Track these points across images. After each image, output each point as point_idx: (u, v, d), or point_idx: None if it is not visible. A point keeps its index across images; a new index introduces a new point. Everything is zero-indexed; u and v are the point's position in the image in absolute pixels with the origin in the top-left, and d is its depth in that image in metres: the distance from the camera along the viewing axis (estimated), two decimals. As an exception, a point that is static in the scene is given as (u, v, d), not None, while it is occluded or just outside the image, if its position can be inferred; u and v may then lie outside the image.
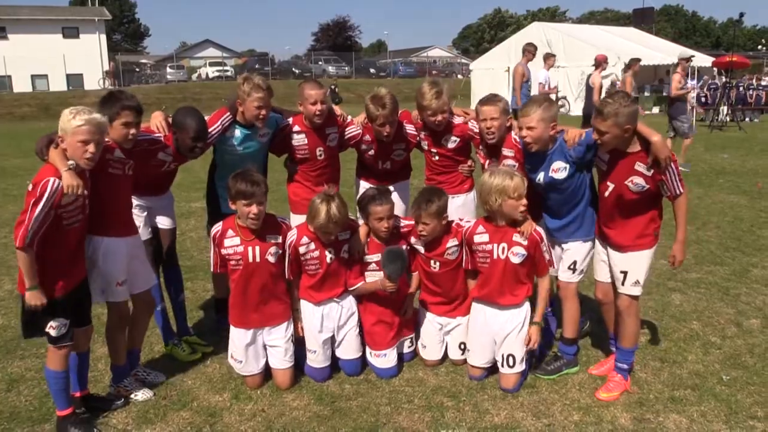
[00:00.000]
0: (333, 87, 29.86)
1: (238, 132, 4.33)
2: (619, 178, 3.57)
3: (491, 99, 4.08)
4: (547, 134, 3.73)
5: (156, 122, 4.00)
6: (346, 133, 4.59)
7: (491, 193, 3.67)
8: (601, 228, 3.80)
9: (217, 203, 4.49)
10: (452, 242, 3.99)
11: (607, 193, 3.64)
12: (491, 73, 29.58)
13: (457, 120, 4.40)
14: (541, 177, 3.83)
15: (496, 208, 3.72)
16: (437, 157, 4.48)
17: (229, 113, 4.28)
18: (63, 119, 3.17)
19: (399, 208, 4.40)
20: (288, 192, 4.73)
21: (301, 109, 4.44)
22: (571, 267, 3.92)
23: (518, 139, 3.94)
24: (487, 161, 4.21)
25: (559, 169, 3.76)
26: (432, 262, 4.05)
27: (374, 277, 4.00)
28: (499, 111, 4.01)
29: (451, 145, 4.43)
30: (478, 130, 4.25)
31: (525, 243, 3.74)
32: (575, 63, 25.88)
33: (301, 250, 3.89)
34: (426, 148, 4.51)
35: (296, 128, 4.50)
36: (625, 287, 3.70)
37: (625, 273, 3.69)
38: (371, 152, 4.58)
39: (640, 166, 3.49)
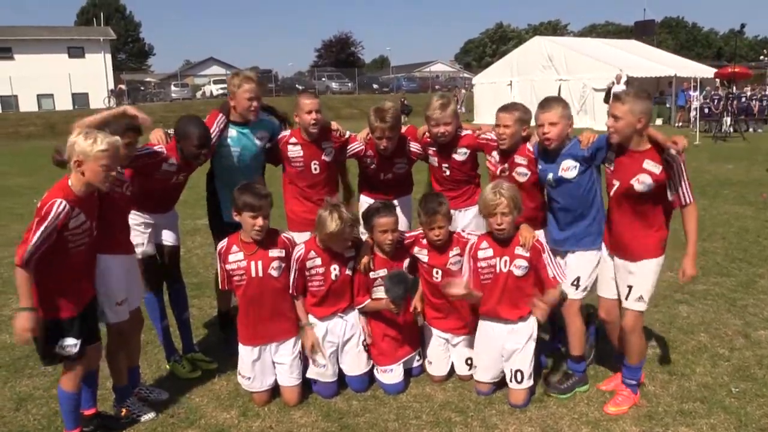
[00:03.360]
0: (402, 100, 31.11)
1: (233, 132, 4.38)
2: (626, 176, 3.56)
3: (508, 107, 4.12)
4: (566, 132, 3.79)
5: (156, 136, 4.07)
6: (349, 150, 4.61)
7: (479, 203, 3.78)
8: (605, 235, 3.79)
9: (218, 212, 4.49)
10: (455, 251, 4.00)
11: (612, 192, 3.64)
12: (494, 87, 29.65)
13: (464, 132, 4.42)
14: (551, 177, 3.85)
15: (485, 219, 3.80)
16: (447, 172, 4.49)
17: (222, 115, 4.33)
18: (82, 144, 3.14)
19: (402, 223, 4.40)
20: (285, 210, 4.73)
21: (297, 120, 4.48)
22: (575, 283, 3.89)
23: (532, 149, 4.01)
24: (499, 168, 4.19)
25: (569, 168, 3.78)
26: (434, 272, 4.05)
27: (380, 293, 4.00)
28: (514, 119, 4.02)
29: (459, 158, 4.43)
30: (488, 138, 4.28)
31: (527, 255, 3.74)
32: (576, 76, 25.96)
33: (308, 264, 3.91)
34: (436, 164, 4.51)
35: (293, 139, 4.53)
36: (628, 302, 3.68)
37: (630, 288, 3.67)
38: (374, 166, 4.62)
39: (649, 164, 3.48)
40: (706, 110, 21.66)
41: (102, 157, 3.14)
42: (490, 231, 3.84)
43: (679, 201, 3.50)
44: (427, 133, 4.49)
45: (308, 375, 4.00)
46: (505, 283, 3.79)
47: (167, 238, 4.28)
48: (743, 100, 23.37)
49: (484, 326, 3.97)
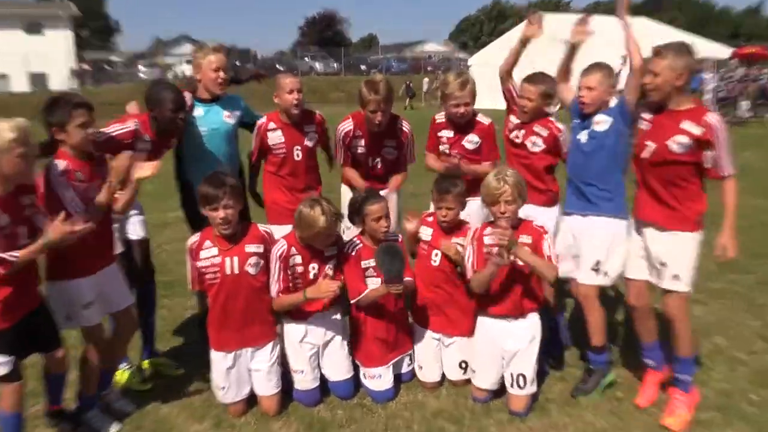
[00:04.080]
0: (408, 83, 32.11)
1: (200, 110, 4.42)
2: (660, 137, 3.59)
3: (535, 79, 4.29)
4: (603, 99, 3.89)
5: (132, 107, 4.11)
6: (338, 131, 4.64)
7: (482, 190, 3.80)
8: (636, 203, 3.79)
9: (193, 201, 4.35)
10: (459, 240, 4.03)
11: (644, 154, 3.67)
12: (491, 69, 29.57)
13: (482, 119, 4.55)
14: (584, 136, 3.93)
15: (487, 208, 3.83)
16: (456, 161, 4.53)
17: (188, 94, 4.34)
18: None
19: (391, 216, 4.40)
20: (265, 201, 4.76)
21: (277, 101, 4.51)
22: (595, 267, 3.91)
23: (558, 126, 4.24)
24: (513, 133, 4.37)
25: (600, 122, 3.87)
26: (434, 254, 4.08)
27: (375, 284, 3.97)
28: (538, 93, 4.22)
29: (469, 146, 4.54)
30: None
31: (529, 241, 3.76)
32: (582, 55, 26.00)
33: (290, 262, 3.88)
34: (447, 151, 4.58)
35: (272, 125, 4.57)
36: (665, 282, 3.66)
37: (663, 265, 3.65)
38: (361, 148, 4.64)
39: (687, 125, 3.51)
40: (722, 94, 21.72)
41: (15, 146, 3.05)
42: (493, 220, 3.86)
43: (718, 172, 3.51)
44: (438, 117, 4.64)
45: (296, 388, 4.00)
46: (508, 275, 3.79)
47: (135, 230, 4.24)
48: (762, 81, 23.46)
49: (482, 326, 3.97)
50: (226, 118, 4.51)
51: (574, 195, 4.01)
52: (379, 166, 4.70)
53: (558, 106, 4.40)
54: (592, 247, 3.92)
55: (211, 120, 4.44)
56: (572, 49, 4.05)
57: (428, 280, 4.13)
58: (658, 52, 3.55)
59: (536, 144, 4.29)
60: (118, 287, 3.79)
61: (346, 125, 4.65)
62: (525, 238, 3.77)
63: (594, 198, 3.90)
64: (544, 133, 4.27)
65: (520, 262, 3.72)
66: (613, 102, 3.92)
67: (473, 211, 4.46)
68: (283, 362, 4.02)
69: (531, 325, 3.87)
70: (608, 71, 3.93)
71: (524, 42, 4.31)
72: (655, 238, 3.70)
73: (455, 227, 4.10)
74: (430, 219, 4.19)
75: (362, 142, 4.62)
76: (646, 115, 3.71)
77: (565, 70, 4.12)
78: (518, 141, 4.34)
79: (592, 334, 4.02)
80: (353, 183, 4.66)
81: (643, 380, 4.01)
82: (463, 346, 4.12)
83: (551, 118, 4.33)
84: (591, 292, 3.95)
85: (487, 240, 3.83)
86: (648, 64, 3.58)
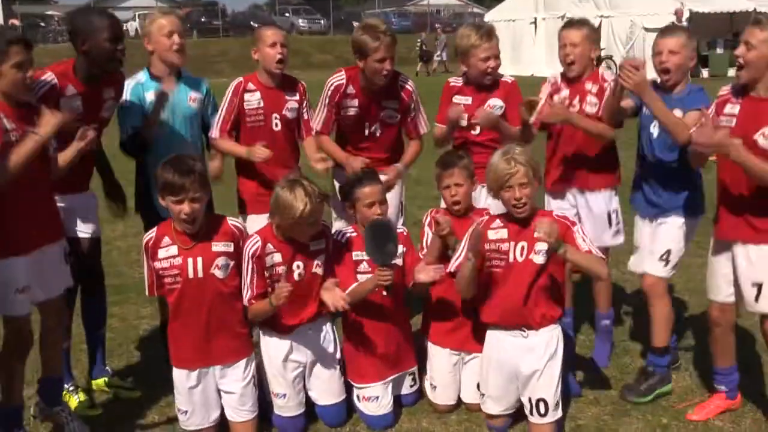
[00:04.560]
0: (421, 43, 32.07)
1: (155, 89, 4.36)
2: (747, 130, 3.60)
3: (575, 23, 4.52)
4: (688, 66, 4.09)
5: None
6: (328, 84, 4.66)
7: (486, 175, 3.81)
8: (718, 210, 3.85)
9: (149, 196, 4.43)
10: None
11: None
12: (512, 27, 29.65)
13: (505, 78, 4.71)
14: (657, 129, 4.07)
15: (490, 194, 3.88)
16: (477, 130, 4.61)
17: (141, 73, 4.40)
18: None
19: (392, 208, 4.46)
20: (237, 186, 4.80)
21: (256, 58, 4.55)
22: (664, 257, 4.08)
23: (606, 76, 4.44)
24: (562, 96, 4.51)
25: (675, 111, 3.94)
26: (449, 254, 4.06)
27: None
28: (583, 36, 4.41)
29: (496, 111, 4.61)
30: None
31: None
32: (622, 11, 25.98)
33: (266, 261, 3.89)
34: (465, 123, 4.57)
35: (250, 85, 4.60)
36: (760, 305, 3.73)
37: (759, 286, 3.69)
38: (354, 109, 4.65)
39: None
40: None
41: None
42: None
43: None
44: (453, 81, 4.77)
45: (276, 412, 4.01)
46: (523, 277, 3.75)
47: (84, 228, 4.24)
48: None
49: (492, 340, 3.94)
50: (191, 101, 4.50)
51: (644, 194, 4.23)
52: (377, 134, 4.73)
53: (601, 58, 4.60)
54: (664, 238, 4.15)
55: (173, 104, 4.39)
56: (620, 90, 4.09)
57: (446, 284, 4.10)
58: (759, 21, 3.57)
59: (593, 104, 4.43)
60: (54, 271, 3.79)
61: (337, 78, 4.66)
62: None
63: (666, 197, 4.14)
64: (596, 89, 4.43)
65: (538, 260, 3.73)
66: (686, 88, 4.08)
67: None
68: (260, 382, 4.02)
69: (550, 339, 3.83)
70: (690, 33, 4.09)
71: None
72: (743, 255, 3.73)
73: (469, 211, 4.14)
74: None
75: (356, 101, 4.64)
76: (732, 109, 3.72)
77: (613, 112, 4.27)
78: (576, 108, 4.45)
79: (655, 332, 4.18)
80: (333, 156, 4.63)
81: (708, 401, 4.11)
82: (480, 362, 4.10)
83: (600, 70, 4.51)
84: (658, 285, 4.18)
85: (493, 237, 3.81)
86: (743, 34, 3.62)
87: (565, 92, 4.53)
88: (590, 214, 4.60)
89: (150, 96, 4.32)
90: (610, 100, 4.22)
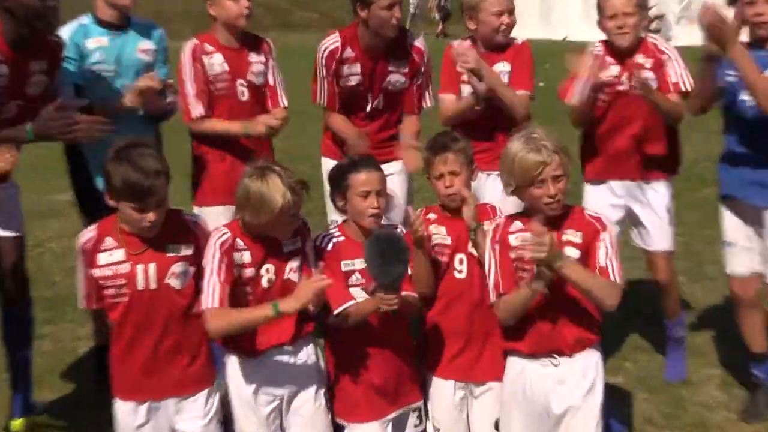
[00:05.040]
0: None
1: (102, 39, 4.41)
2: None
3: None
4: None
5: None
6: (320, 50, 4.71)
7: (504, 167, 3.76)
8: None
9: (88, 178, 4.47)
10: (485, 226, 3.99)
11: None
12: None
13: (517, 40, 4.84)
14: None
15: (510, 191, 3.78)
16: (478, 106, 4.67)
17: (85, 16, 4.45)
18: None
19: (395, 213, 4.51)
20: (192, 172, 4.84)
21: (214, 13, 4.59)
22: None
23: (662, 46, 4.65)
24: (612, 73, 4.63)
25: None
26: (458, 260, 4.05)
27: (362, 296, 3.95)
28: (634, 4, 4.57)
29: (503, 76, 4.73)
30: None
31: (578, 240, 3.72)
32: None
33: (236, 258, 3.84)
34: (466, 91, 4.70)
35: (208, 46, 4.60)
36: None
37: None
38: (356, 78, 4.68)
39: None
40: None
41: None
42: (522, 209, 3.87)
43: None
44: (457, 44, 4.81)
45: None
46: (550, 291, 3.65)
47: (4, 225, 4.27)
48: None
49: (513, 369, 3.90)
50: (141, 53, 4.51)
51: (745, 178, 4.37)
52: (381, 108, 4.77)
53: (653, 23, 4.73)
54: None
55: (119, 54, 4.43)
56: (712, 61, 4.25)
57: (450, 301, 4.09)
58: None
59: (652, 79, 4.62)
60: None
61: (330, 42, 4.71)
62: (571, 236, 3.73)
63: None
64: (649, 63, 4.64)
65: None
66: None
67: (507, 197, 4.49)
68: (225, 419, 3.99)
69: (587, 368, 3.79)
70: None
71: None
72: None
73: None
74: (433, 215, 4.15)
75: (356, 67, 4.66)
76: None
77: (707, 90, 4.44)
78: (623, 86, 4.64)
79: (750, 338, 4.65)
80: (342, 133, 4.69)
81: None
82: (495, 397, 4.08)
83: (650, 39, 4.74)
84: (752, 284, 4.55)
85: (516, 244, 3.77)
86: None
87: (615, 69, 4.67)
88: (648, 210, 4.79)
89: (92, 44, 4.36)
90: (707, 71, 4.31)
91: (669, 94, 4.62)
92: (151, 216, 3.58)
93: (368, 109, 4.71)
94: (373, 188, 3.91)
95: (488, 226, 3.94)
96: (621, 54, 4.67)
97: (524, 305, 3.67)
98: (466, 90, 4.74)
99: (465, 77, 4.67)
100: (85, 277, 3.76)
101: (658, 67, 4.64)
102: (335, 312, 3.87)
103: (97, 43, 4.39)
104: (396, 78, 4.72)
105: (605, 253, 3.69)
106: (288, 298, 3.70)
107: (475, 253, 4.00)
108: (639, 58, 4.62)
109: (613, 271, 3.67)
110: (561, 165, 3.61)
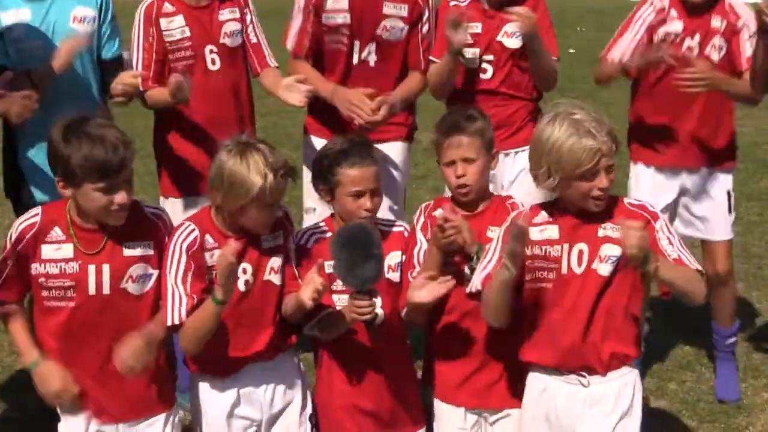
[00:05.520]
0: None
1: (26, 9, 4.18)
2: None
3: None
4: None
5: None
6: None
7: (542, 157, 3.42)
8: None
9: (18, 175, 4.43)
10: (494, 231, 3.69)
11: None
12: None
13: None
14: None
15: (552, 186, 3.47)
16: (489, 72, 4.52)
17: None
18: None
19: (390, 199, 4.50)
20: (157, 156, 4.76)
21: None
22: None
23: (738, 8, 4.34)
24: (686, 45, 4.39)
25: None
26: (467, 271, 3.76)
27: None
28: None
29: (511, 43, 4.47)
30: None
31: (616, 236, 3.42)
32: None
33: (206, 259, 3.59)
34: (471, 55, 4.48)
35: (167, 7, 4.43)
36: None
37: None
38: (343, 15, 4.45)
39: None
40: None
41: None
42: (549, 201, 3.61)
43: None
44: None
45: None
46: (579, 295, 3.45)
47: None
48: None
49: (535, 389, 3.65)
50: (76, 21, 4.30)
51: None
52: (371, 62, 4.51)
53: None
54: None
55: (48, 23, 4.26)
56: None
57: (463, 315, 3.79)
58: None
59: (719, 48, 4.36)
60: None
61: None
62: (611, 231, 3.44)
63: None
64: (723, 25, 4.33)
65: (604, 272, 3.41)
66: None
67: (518, 171, 4.46)
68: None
69: (622, 389, 3.54)
70: None
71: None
72: None
73: (481, 199, 3.83)
74: (437, 212, 3.80)
75: (344, 2, 4.39)
76: None
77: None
78: (694, 52, 4.34)
79: None
80: (317, 88, 4.35)
81: None
82: (512, 424, 3.85)
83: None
84: None
85: (537, 238, 3.49)
86: None
87: (677, 25, 4.36)
88: (706, 198, 4.67)
89: (9, 17, 4.16)
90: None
91: (744, 71, 4.36)
92: (120, 197, 3.34)
93: (356, 60, 4.45)
94: (366, 187, 3.68)
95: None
96: (692, 7, 4.37)
97: (502, 295, 3.39)
98: (470, 53, 4.46)
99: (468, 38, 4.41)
100: (13, 266, 3.49)
101: (731, 34, 4.34)
102: (310, 324, 3.68)
103: (16, 16, 4.16)
104: (392, 23, 4.43)
105: (668, 242, 3.47)
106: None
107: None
108: (714, 20, 4.34)
109: (688, 259, 3.45)
110: (611, 148, 3.36)
